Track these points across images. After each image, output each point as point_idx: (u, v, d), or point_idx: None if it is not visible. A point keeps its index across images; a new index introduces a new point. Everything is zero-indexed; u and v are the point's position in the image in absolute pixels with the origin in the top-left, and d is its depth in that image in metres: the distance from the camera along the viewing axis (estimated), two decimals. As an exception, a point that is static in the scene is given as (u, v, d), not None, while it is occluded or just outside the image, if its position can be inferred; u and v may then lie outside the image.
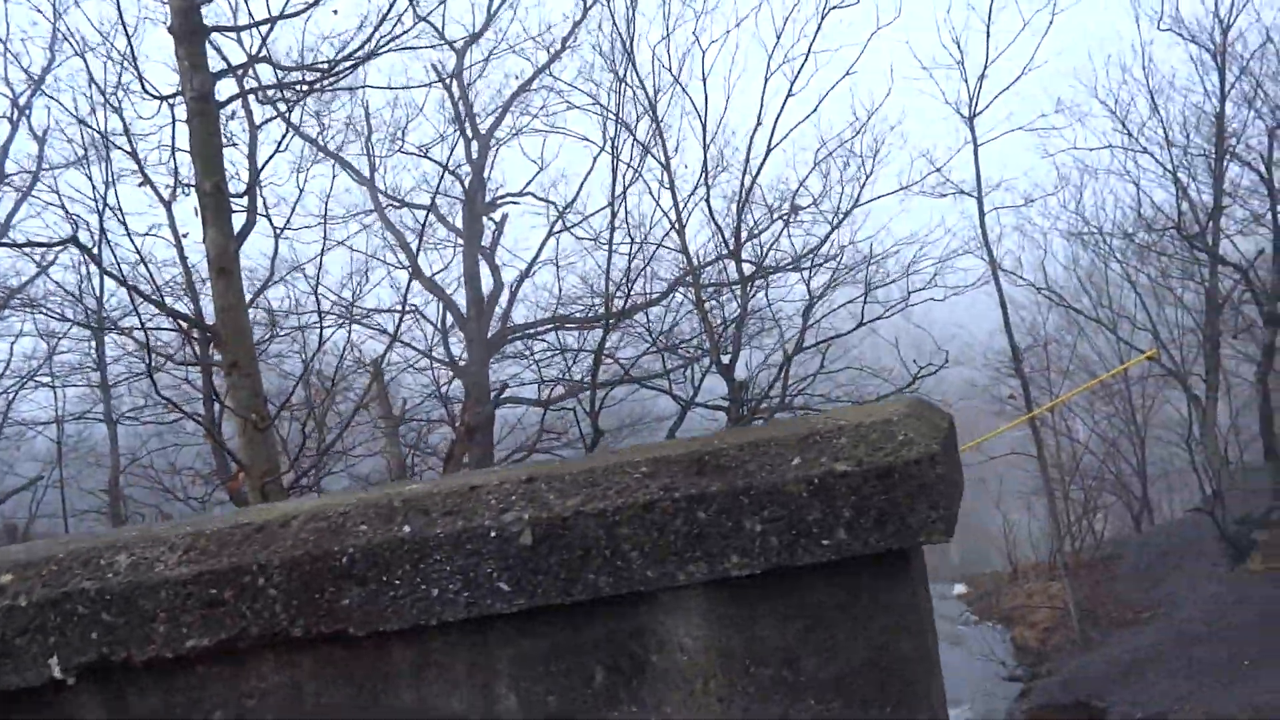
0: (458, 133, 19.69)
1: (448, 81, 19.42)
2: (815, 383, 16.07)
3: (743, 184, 13.58)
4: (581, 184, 19.51)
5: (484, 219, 21.45)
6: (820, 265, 15.31)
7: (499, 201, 21.56)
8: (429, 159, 19.11)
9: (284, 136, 8.43)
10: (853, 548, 1.36)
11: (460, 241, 20.79)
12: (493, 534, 1.37)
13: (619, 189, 11.56)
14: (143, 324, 6.86)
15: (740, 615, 1.42)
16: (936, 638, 1.55)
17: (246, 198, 8.60)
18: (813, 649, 1.42)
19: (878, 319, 14.92)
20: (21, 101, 16.56)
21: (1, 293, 16.16)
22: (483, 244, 21.09)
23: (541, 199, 20.63)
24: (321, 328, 7.82)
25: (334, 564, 1.38)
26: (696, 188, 12.94)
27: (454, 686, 1.43)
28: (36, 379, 16.92)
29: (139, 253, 6.72)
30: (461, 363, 19.64)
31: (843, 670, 1.42)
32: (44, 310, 14.24)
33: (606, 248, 11.57)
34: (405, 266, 20.34)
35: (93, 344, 16.22)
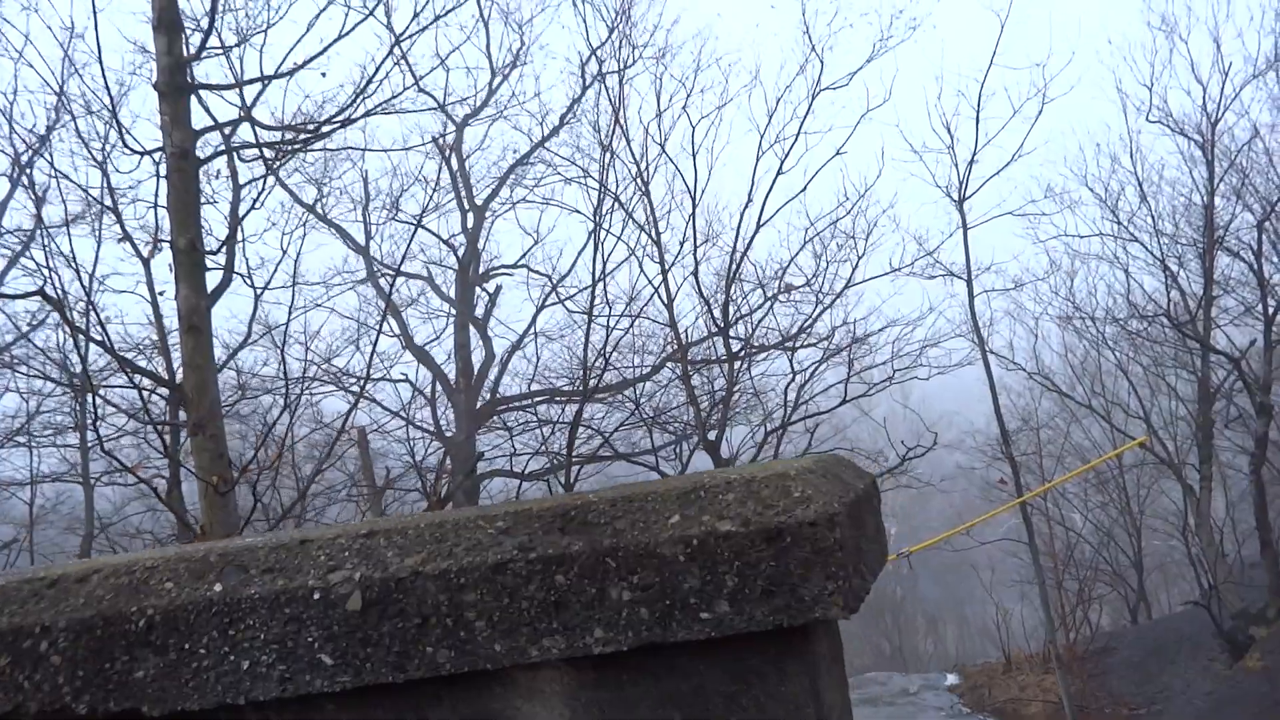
0: (453, 202, 19.78)
1: (445, 152, 19.59)
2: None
3: (732, 260, 13.53)
4: (576, 258, 19.49)
5: (477, 289, 21.46)
6: (811, 345, 15.21)
7: (493, 273, 21.58)
8: (424, 228, 19.15)
9: (260, 194, 8.36)
10: (735, 623, 1.16)
11: (453, 311, 20.77)
12: (316, 596, 1.17)
13: (602, 263, 11.50)
14: (89, 381, 6.65)
15: (608, 701, 1.21)
16: (848, 734, 1.34)
17: (224, 256, 8.49)
18: (693, 745, 1.21)
19: (862, 396, 14.77)
20: (24, 160, 16.60)
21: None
22: (475, 314, 21.06)
23: (536, 271, 20.62)
24: (287, 390, 7.64)
25: (129, 628, 1.18)
26: (678, 259, 12.88)
27: (269, 779, 1.21)
28: (16, 439, 16.65)
29: (89, 302, 6.56)
30: (449, 433, 19.42)
31: (727, 771, 1.20)
32: (23, 370, 14.02)
33: (591, 321, 11.44)
34: (395, 334, 20.34)
35: (75, 404, 15.95)
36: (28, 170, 16.40)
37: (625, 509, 1.21)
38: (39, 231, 13.50)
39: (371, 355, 8.36)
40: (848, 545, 1.18)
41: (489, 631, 1.16)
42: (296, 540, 1.24)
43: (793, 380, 14.10)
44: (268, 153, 8.35)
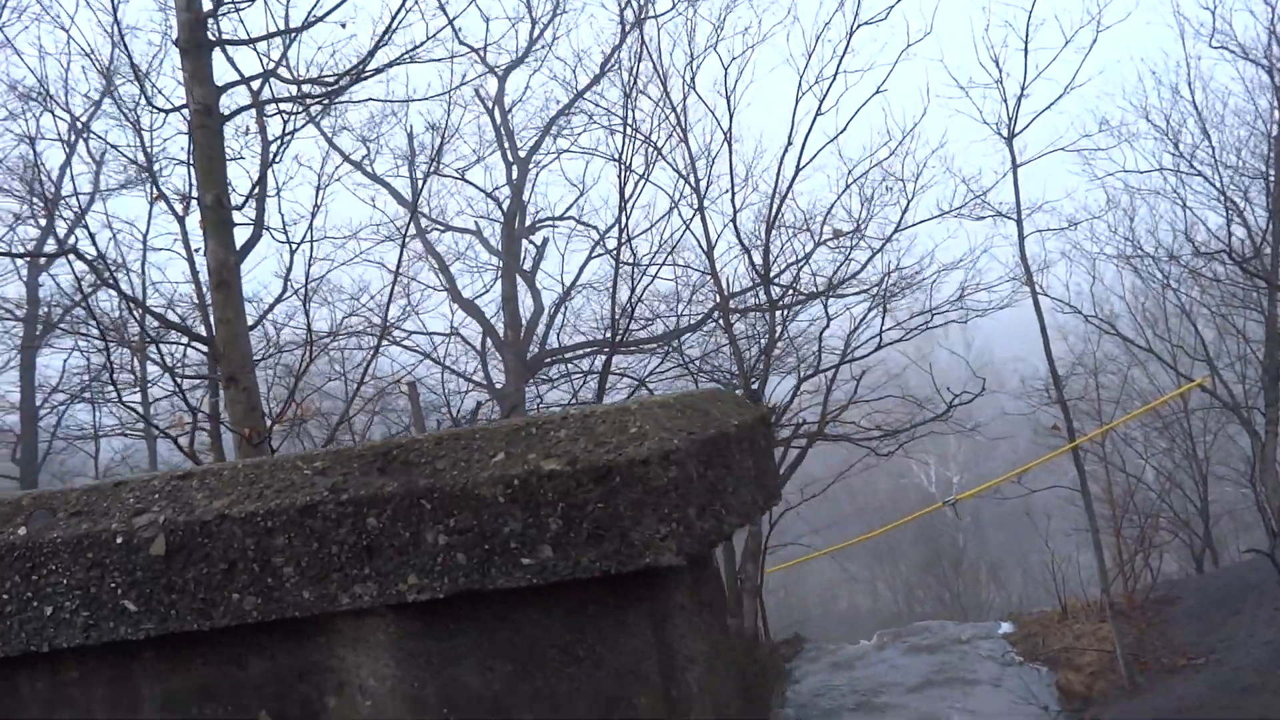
0: (496, 155, 19.73)
1: (488, 104, 19.50)
2: (854, 410, 15.63)
3: (771, 205, 13.24)
4: (620, 209, 19.33)
5: (524, 242, 21.45)
6: (860, 292, 14.90)
7: (539, 225, 21.53)
8: (467, 181, 19.15)
9: (280, 149, 8.33)
10: (559, 569, 1.07)
11: (500, 264, 20.84)
12: (119, 540, 1.11)
13: (620, 205, 11.27)
14: (105, 333, 6.75)
15: (436, 652, 1.13)
16: (713, 690, 1.23)
17: (254, 211, 8.54)
18: (526, 700, 1.12)
19: (898, 341, 14.45)
20: (79, 126, 16.85)
21: (55, 312, 16.47)
22: (523, 267, 21.09)
23: (580, 222, 20.51)
24: (310, 343, 7.68)
25: (-68, 574, 1.13)
26: (711, 200, 12.54)
27: (90, 730, 1.16)
28: (82, 396, 17.16)
29: (98, 259, 6.64)
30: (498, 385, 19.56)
31: (563, 727, 1.12)
32: (83, 330, 14.34)
33: (618, 267, 11.24)
34: (443, 288, 20.50)
35: (132, 361, 16.33)
36: (85, 136, 16.68)
37: (450, 448, 1.12)
38: (57, 191, 13.71)
39: (389, 301, 8.30)
40: (687, 486, 1.07)
41: (298, 578, 1.09)
42: (111, 483, 1.17)
43: (827, 326, 13.86)
44: (294, 106, 8.33)
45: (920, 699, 13.73)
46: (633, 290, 10.77)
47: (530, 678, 1.12)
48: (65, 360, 17.29)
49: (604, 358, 18.18)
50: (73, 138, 17.07)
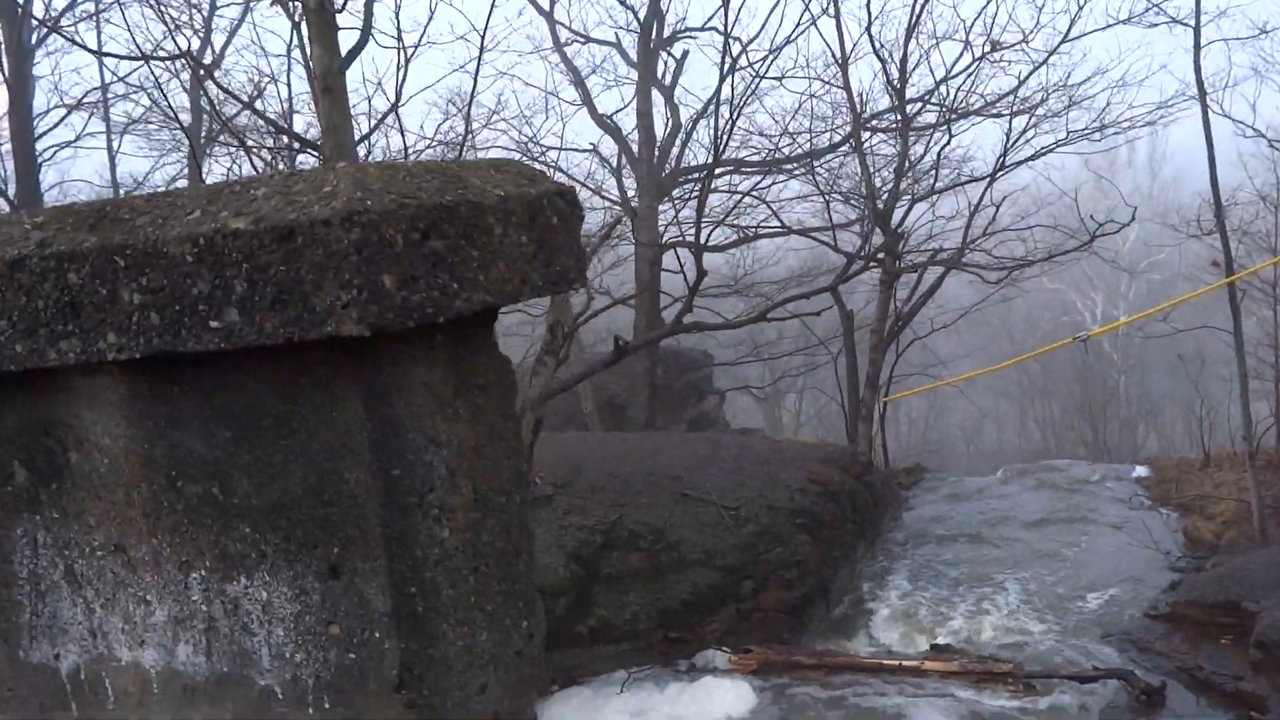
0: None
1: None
2: (995, 238, 14.79)
3: (912, 12, 12.16)
4: (765, 20, 18.25)
5: (661, 55, 20.73)
6: (1016, 113, 13.75)
7: (678, 36, 20.71)
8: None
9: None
10: (245, 334, 1.02)
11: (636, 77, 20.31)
12: None
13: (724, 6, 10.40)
14: (200, 130, 6.97)
15: (162, 415, 1.12)
16: (475, 475, 1.18)
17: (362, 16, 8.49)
18: (245, 467, 1.10)
19: (1025, 162, 13.32)
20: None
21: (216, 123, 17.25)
22: (660, 81, 20.48)
23: (722, 34, 19.55)
24: (405, 151, 7.72)
25: None
26: (837, 7, 11.49)
27: (-125, 469, 1.22)
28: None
29: (197, 68, 6.74)
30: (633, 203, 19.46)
31: (280, 497, 1.10)
32: (234, 142, 14.92)
33: (722, 79, 10.54)
34: (579, 103, 20.18)
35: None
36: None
37: (157, 204, 1.07)
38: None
39: (470, 105, 8.06)
40: (379, 251, 0.99)
41: (11, 331, 1.08)
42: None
43: (947, 143, 12.89)
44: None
45: (1035, 534, 13.50)
46: (733, 101, 10.22)
47: (249, 445, 1.10)
48: (228, 171, 18.23)
49: (741, 178, 17.71)
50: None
